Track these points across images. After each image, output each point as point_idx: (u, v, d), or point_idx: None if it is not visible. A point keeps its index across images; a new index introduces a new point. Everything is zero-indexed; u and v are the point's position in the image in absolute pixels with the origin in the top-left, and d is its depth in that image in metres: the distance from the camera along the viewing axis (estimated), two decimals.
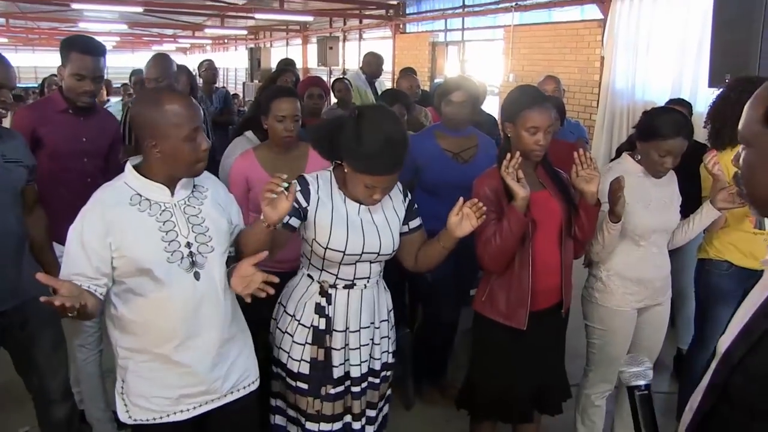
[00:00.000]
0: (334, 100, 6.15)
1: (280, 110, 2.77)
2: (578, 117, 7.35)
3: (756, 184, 1.10)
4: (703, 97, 5.19)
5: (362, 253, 2.16)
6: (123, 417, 2.00)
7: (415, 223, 2.32)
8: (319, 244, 2.15)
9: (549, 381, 2.58)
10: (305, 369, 2.22)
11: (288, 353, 2.25)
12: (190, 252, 1.90)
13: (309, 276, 2.26)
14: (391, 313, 2.42)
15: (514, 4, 8.63)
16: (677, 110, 2.72)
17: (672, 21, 6.42)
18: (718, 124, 3.00)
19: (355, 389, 2.27)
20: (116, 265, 1.83)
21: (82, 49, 2.75)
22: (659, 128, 2.54)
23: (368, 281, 2.26)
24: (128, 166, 1.92)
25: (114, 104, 8.22)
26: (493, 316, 2.45)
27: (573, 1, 7.79)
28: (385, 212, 2.24)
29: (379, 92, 6.58)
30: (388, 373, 2.40)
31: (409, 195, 2.35)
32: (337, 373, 2.23)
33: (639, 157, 2.68)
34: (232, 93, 10.18)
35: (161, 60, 4.07)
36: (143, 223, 1.85)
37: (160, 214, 1.88)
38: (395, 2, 11.75)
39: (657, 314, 2.81)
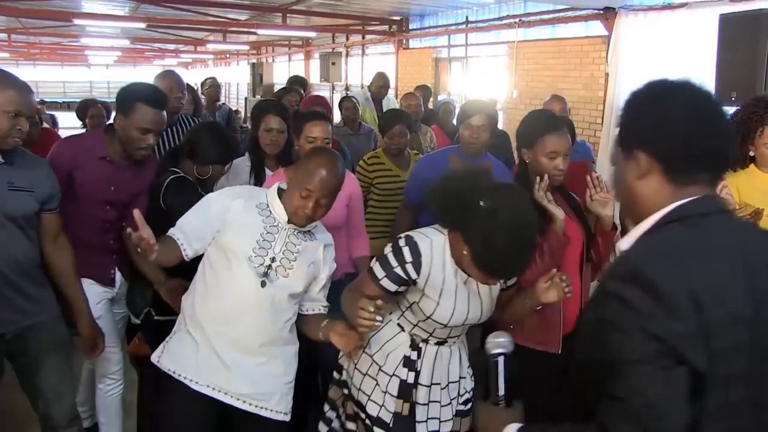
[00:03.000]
0: (338, 117, 6.14)
1: (312, 132, 2.92)
2: (583, 134, 7.32)
3: (619, 192, 1.38)
4: None
5: (464, 323, 2.14)
6: (154, 358, 2.29)
7: (512, 281, 2.23)
8: (422, 311, 2.08)
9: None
10: (386, 417, 2.13)
11: (368, 396, 2.17)
12: (270, 266, 2.17)
13: (399, 326, 2.18)
14: (470, 371, 2.33)
15: (518, 20, 8.64)
16: None
17: (676, 38, 6.41)
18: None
19: None
20: (215, 236, 2.19)
21: (151, 101, 2.64)
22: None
23: (459, 338, 2.25)
24: (276, 187, 2.29)
25: None
26: (526, 343, 2.32)
27: (577, 17, 7.79)
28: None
29: (385, 109, 6.59)
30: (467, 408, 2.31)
31: None
32: (421, 429, 2.14)
33: None
34: (234, 109, 10.20)
35: (169, 74, 4.03)
36: (255, 222, 2.20)
37: (271, 227, 2.21)
38: (398, 18, 11.77)
39: None
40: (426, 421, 2.15)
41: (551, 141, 2.32)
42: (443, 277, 2.04)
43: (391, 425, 2.12)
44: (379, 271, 2.05)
